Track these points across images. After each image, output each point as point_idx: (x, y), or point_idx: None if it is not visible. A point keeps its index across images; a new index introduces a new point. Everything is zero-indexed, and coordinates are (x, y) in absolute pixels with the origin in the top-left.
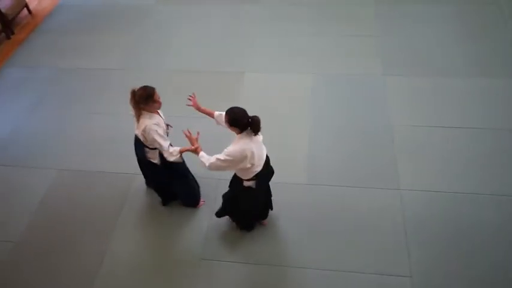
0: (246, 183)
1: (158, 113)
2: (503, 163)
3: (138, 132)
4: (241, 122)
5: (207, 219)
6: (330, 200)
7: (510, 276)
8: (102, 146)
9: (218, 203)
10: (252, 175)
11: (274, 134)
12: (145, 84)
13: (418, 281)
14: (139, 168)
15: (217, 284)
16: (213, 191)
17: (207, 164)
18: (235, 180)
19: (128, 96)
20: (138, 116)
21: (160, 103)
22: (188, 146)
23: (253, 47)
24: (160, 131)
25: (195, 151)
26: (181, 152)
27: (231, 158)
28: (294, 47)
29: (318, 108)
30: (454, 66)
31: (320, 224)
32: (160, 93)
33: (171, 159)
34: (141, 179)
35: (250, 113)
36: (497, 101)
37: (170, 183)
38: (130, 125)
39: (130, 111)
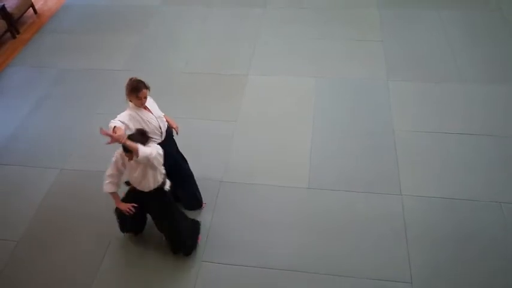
0: None
1: (147, 109)
2: (506, 170)
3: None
4: None
5: (208, 220)
6: (331, 204)
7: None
8: (106, 146)
9: (219, 204)
10: None
11: (277, 137)
12: (143, 80)
13: (418, 287)
14: None
15: (217, 286)
16: (214, 193)
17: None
18: None
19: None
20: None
21: (141, 102)
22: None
23: (258, 49)
24: (119, 124)
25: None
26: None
27: None
28: (298, 50)
29: (321, 112)
30: (458, 71)
31: (321, 229)
32: (164, 94)
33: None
34: None
35: (253, 115)
36: (501, 107)
37: (176, 185)
38: None
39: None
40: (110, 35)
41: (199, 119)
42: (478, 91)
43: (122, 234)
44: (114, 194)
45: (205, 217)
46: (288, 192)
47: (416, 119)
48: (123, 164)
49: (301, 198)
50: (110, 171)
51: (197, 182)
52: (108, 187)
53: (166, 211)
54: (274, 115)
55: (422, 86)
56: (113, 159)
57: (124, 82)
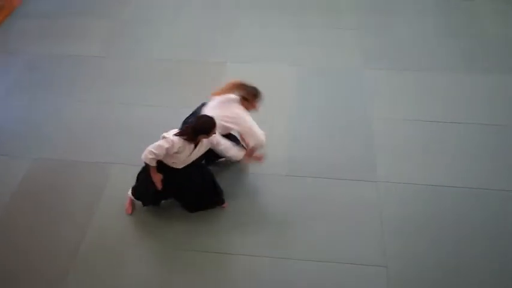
0: None
1: None
2: (482, 157)
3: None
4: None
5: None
6: (309, 191)
7: (486, 268)
8: (79, 135)
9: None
10: None
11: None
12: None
13: (393, 271)
14: (116, 157)
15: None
16: None
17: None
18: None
19: (105, 82)
20: None
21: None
22: None
23: (235, 37)
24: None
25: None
26: None
27: None
28: (276, 38)
29: (298, 100)
30: (435, 60)
31: (298, 215)
32: (141, 83)
33: None
34: (118, 168)
35: None
36: (477, 96)
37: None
38: (108, 113)
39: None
40: (84, 20)
41: (177, 108)
42: (455, 80)
43: (100, 223)
44: (153, 167)
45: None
46: (266, 180)
47: (392, 106)
48: (176, 152)
49: (280, 185)
50: (157, 151)
51: None
52: (152, 162)
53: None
54: None
55: (400, 74)
56: (166, 144)
57: (100, 69)
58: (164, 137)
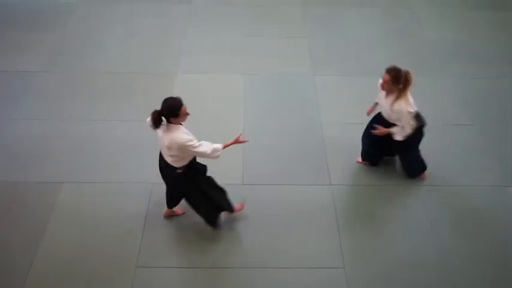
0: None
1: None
2: (428, 155)
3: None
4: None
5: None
6: (264, 198)
7: (441, 264)
8: (23, 154)
9: (151, 209)
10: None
11: (208, 135)
12: None
13: (351, 272)
14: (64, 176)
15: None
16: (146, 197)
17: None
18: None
19: (50, 98)
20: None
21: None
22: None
23: (185, 47)
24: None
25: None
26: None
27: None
28: (226, 48)
29: (251, 108)
30: (379, 66)
31: (254, 223)
32: (88, 97)
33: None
34: (69, 187)
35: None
36: (416, 99)
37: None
38: (54, 130)
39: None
40: (25, 34)
41: (125, 121)
42: None
43: (50, 243)
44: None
45: (137, 224)
46: None
47: (341, 111)
48: None
49: (236, 194)
50: (207, 149)
51: (128, 186)
52: (217, 154)
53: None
54: (205, 113)
55: (347, 80)
56: (202, 148)
57: (42, 85)
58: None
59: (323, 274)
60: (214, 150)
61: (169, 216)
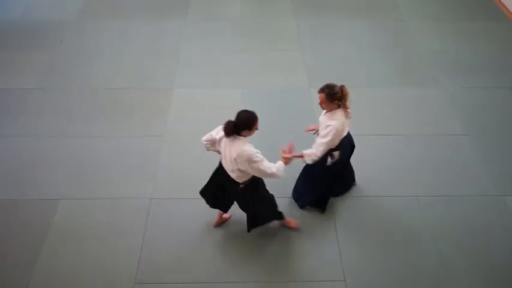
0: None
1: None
2: (420, 167)
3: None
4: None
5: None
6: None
7: (441, 275)
8: (19, 171)
9: (150, 224)
10: None
11: (204, 150)
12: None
13: (351, 284)
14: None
15: None
16: (145, 212)
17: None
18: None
19: (44, 115)
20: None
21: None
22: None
23: (181, 62)
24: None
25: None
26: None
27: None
28: (221, 62)
29: None
30: (373, 77)
31: (253, 237)
32: (84, 113)
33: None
34: (67, 204)
35: (181, 129)
36: (408, 108)
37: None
38: (49, 147)
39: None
40: (22, 51)
41: (122, 137)
42: (386, 94)
43: (46, 262)
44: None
45: (135, 240)
46: None
47: None
48: None
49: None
50: (270, 167)
51: (125, 202)
52: (281, 172)
53: None
54: (201, 128)
55: None
56: (266, 164)
57: (38, 102)
58: (259, 157)
59: (324, 287)
60: (279, 169)
61: (220, 223)
